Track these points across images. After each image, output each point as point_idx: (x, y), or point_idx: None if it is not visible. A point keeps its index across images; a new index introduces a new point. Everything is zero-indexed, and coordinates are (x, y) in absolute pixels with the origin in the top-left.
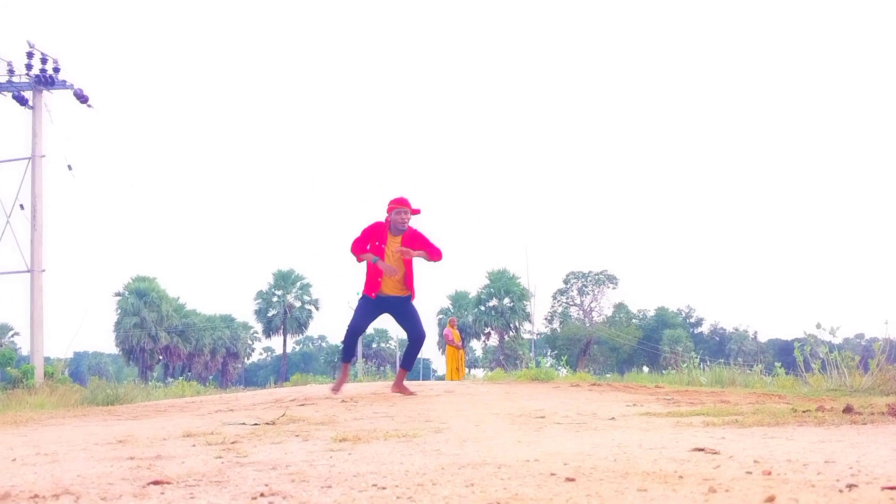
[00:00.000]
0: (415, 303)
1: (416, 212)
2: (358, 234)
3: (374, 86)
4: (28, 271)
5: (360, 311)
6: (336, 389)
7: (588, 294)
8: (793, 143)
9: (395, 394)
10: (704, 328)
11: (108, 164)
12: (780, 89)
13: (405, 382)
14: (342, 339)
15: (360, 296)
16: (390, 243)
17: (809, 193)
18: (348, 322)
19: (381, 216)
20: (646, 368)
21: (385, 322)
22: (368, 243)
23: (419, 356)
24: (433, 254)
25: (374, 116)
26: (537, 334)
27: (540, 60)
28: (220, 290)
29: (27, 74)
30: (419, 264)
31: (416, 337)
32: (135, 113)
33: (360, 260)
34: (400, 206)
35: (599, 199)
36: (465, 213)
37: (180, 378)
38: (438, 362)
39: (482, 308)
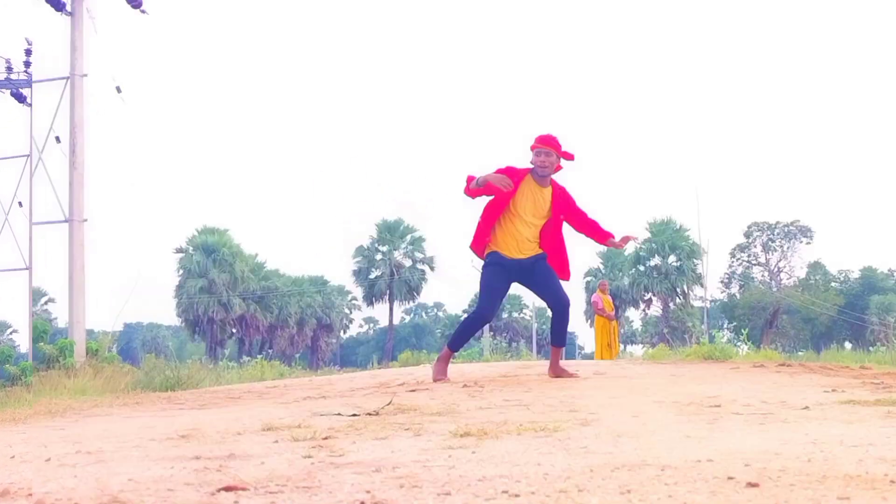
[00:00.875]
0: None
1: (569, 156)
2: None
3: (374, 85)
4: (66, 221)
5: (487, 288)
6: (443, 377)
7: (775, 251)
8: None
9: (553, 377)
10: None
11: (163, 87)
12: (784, 88)
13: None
14: (460, 323)
15: (486, 261)
16: (532, 188)
17: None
18: (477, 299)
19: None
20: (848, 344)
21: (517, 287)
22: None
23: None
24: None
25: (375, 116)
26: (711, 301)
27: (538, 59)
28: (309, 245)
29: None
30: (567, 229)
31: (558, 304)
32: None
33: (472, 194)
34: (543, 145)
35: (788, 137)
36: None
37: (259, 356)
38: (586, 337)
39: (641, 268)
